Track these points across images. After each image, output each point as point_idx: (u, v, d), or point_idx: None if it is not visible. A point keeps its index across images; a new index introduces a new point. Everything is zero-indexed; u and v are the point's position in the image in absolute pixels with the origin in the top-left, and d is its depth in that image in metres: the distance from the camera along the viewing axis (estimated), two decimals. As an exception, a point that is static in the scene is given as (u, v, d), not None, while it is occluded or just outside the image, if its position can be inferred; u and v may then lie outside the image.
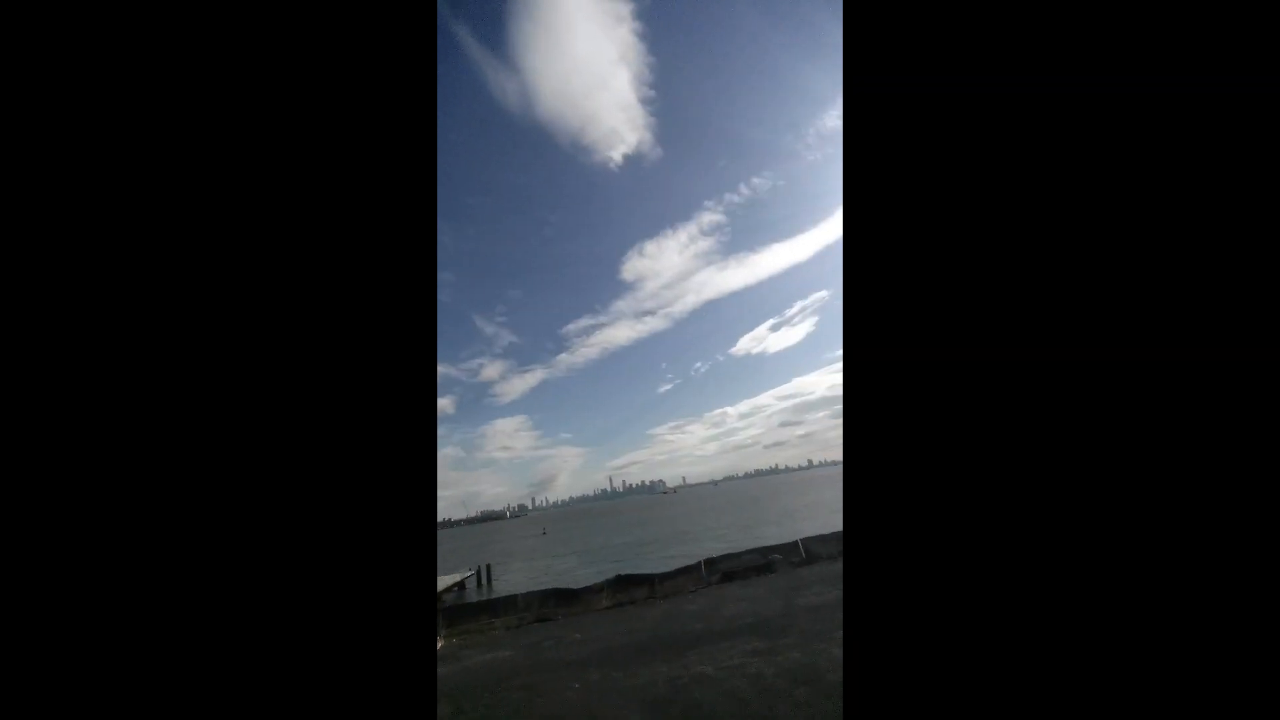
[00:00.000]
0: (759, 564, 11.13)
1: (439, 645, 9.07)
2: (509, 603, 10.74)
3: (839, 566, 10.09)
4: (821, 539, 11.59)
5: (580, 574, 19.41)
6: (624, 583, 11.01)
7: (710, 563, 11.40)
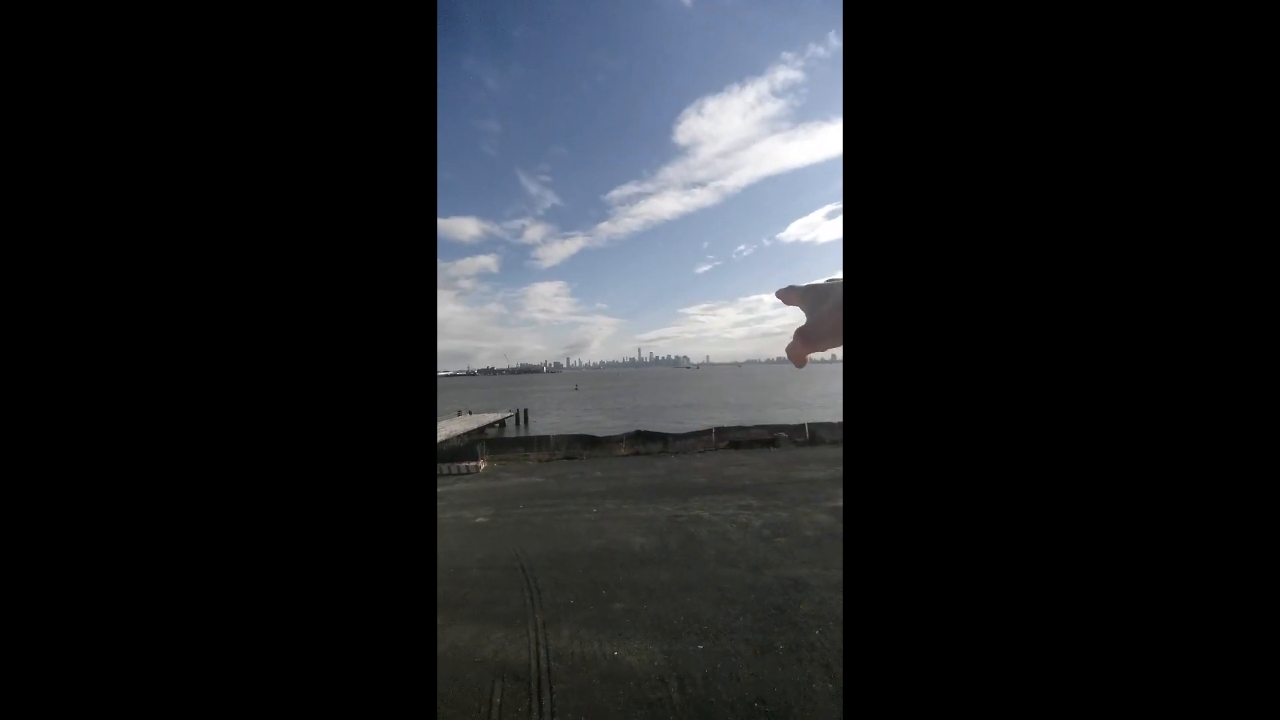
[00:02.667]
0: (765, 438, 12.10)
1: (482, 467, 10.83)
2: (542, 441, 12.37)
3: (840, 451, 10.86)
4: (828, 425, 12.27)
5: (605, 425, 21.68)
6: (642, 436, 12.33)
7: (720, 431, 12.44)
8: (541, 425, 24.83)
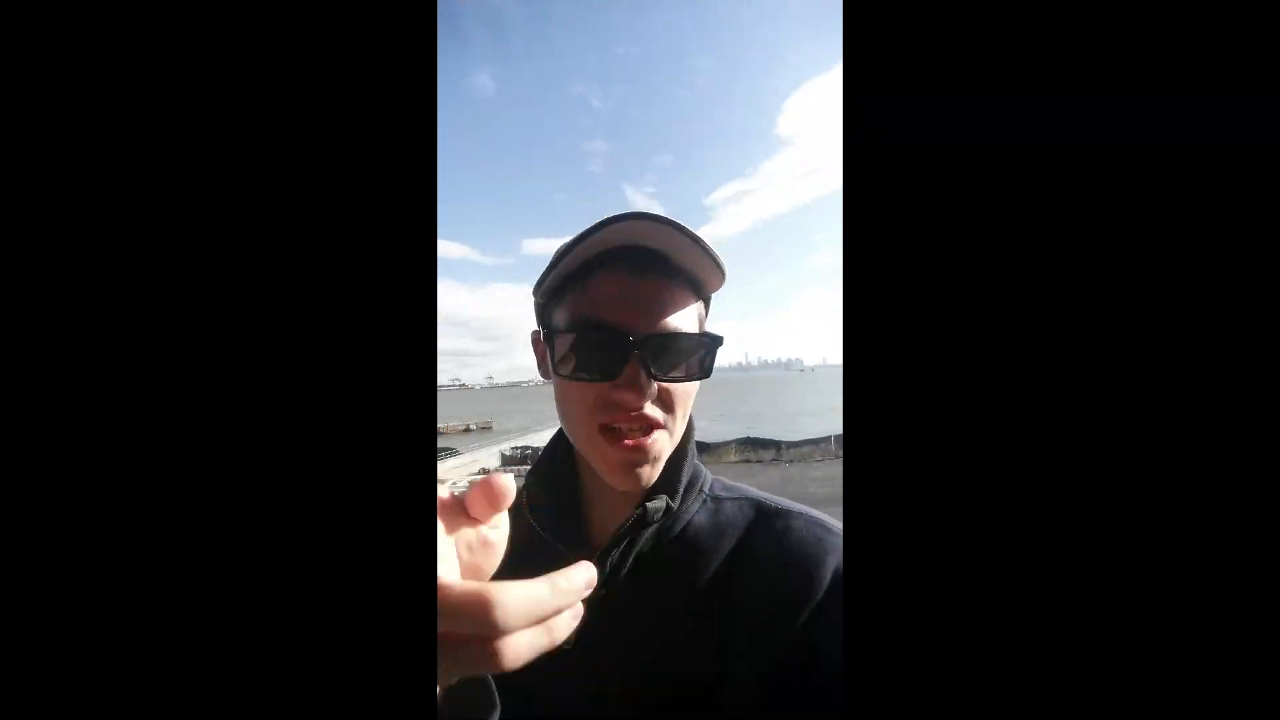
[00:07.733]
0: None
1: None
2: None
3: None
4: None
5: (713, 430, 21.29)
6: (751, 443, 11.84)
7: (840, 438, 11.39)
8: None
